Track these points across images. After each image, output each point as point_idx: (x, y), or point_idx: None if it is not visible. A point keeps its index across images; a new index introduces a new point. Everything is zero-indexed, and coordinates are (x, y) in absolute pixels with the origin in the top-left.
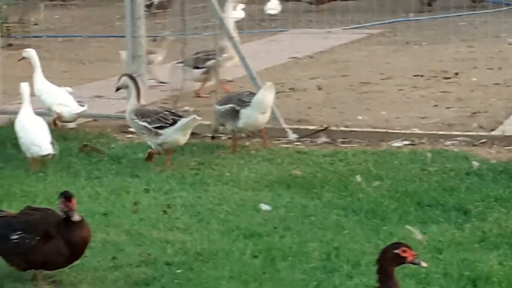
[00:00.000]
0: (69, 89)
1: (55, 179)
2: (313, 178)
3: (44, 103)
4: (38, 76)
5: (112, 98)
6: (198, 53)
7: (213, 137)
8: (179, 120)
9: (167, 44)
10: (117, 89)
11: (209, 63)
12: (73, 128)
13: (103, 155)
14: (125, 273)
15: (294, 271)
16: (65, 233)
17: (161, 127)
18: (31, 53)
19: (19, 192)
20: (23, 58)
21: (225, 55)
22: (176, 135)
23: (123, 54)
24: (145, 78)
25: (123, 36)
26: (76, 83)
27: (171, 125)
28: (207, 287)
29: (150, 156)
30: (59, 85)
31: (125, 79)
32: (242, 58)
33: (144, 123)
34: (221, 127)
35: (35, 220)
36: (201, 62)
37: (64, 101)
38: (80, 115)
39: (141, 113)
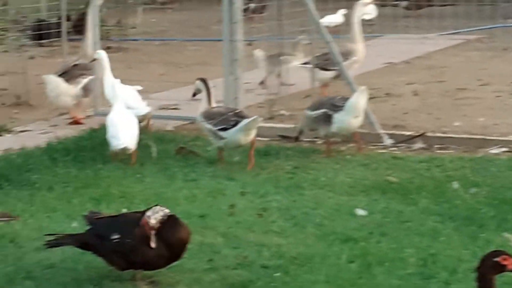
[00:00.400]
0: (139, 87)
1: (152, 180)
2: (409, 184)
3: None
4: (107, 77)
5: None
6: (326, 53)
7: (296, 139)
8: (241, 121)
9: (302, 47)
10: (194, 95)
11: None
12: (170, 131)
13: (199, 157)
14: (222, 275)
15: (390, 277)
16: (165, 234)
17: (224, 129)
18: (101, 54)
19: (117, 193)
20: (95, 59)
21: (353, 58)
22: (238, 135)
23: (258, 52)
24: (242, 82)
25: (219, 40)
26: (173, 86)
27: (233, 126)
28: None
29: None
30: (151, 88)
31: (197, 83)
32: (338, 63)
33: (209, 126)
34: (311, 132)
35: (135, 220)
36: (331, 64)
37: (131, 103)
38: (146, 117)
39: (208, 116)
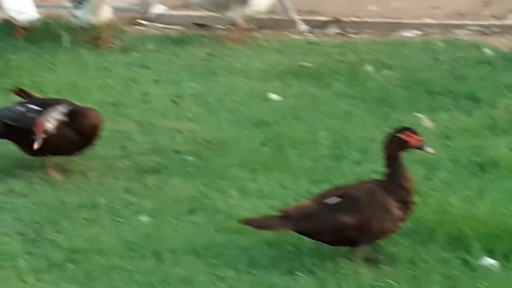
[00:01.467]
0: None
1: (64, 70)
2: (324, 68)
3: (6, 10)
4: None
5: None
6: None
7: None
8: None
9: None
10: None
11: None
12: None
13: (113, 46)
14: (134, 161)
15: (303, 158)
16: (75, 121)
17: (76, 8)
18: None
19: (29, 83)
20: None
21: None
22: (87, 15)
23: None
24: None
25: None
26: None
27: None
28: (216, 174)
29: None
30: None
31: None
32: None
33: (69, 4)
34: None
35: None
36: None
37: (21, 8)
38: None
39: None
